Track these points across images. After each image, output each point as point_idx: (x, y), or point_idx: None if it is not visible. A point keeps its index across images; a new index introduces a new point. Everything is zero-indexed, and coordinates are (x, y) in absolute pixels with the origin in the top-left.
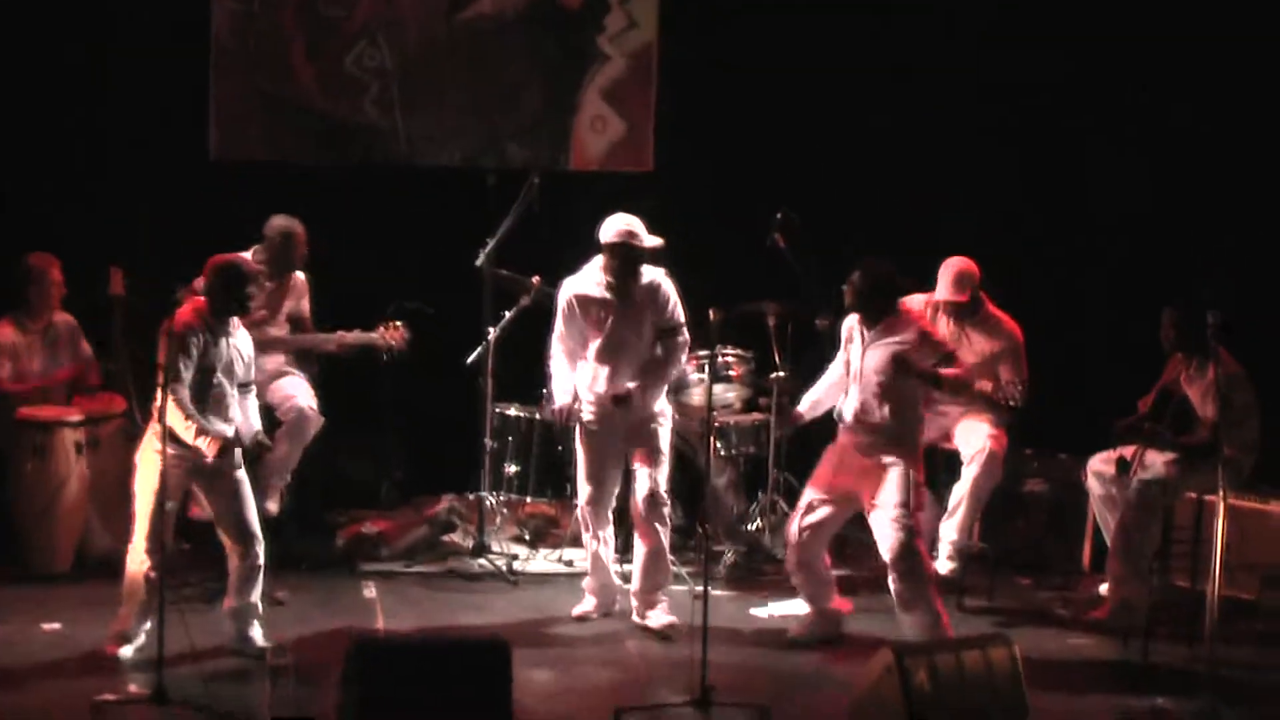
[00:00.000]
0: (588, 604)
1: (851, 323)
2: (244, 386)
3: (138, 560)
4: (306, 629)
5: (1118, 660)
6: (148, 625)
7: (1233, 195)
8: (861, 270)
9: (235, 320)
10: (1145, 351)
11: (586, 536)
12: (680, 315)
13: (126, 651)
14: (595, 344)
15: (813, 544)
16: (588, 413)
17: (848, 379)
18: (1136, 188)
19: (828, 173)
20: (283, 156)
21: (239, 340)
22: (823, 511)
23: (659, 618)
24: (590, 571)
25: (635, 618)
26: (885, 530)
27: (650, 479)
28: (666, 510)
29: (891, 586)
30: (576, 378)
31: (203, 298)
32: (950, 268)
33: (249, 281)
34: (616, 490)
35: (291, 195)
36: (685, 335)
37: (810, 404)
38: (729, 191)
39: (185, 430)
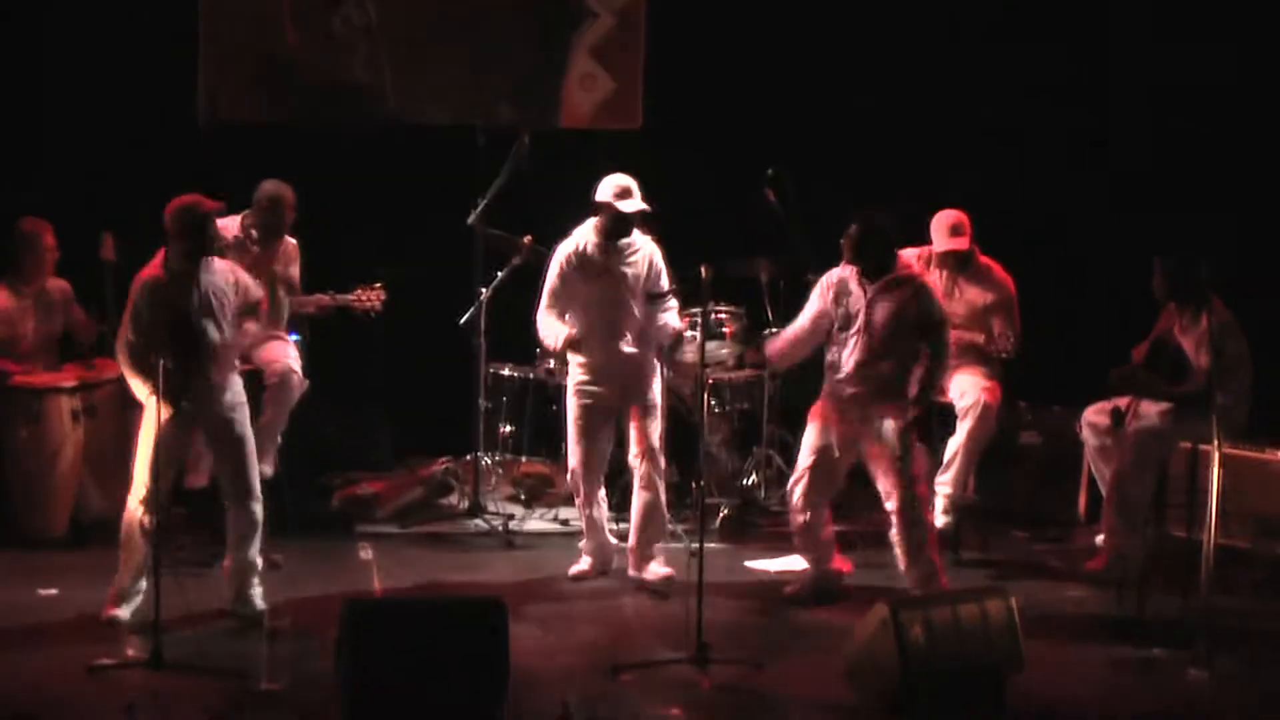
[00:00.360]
0: (584, 564)
1: (840, 274)
2: (248, 311)
3: (135, 515)
4: (302, 591)
5: (1113, 611)
6: (143, 584)
7: (1231, 145)
8: (859, 222)
9: (209, 260)
10: (1139, 302)
11: (579, 501)
12: (666, 282)
13: (124, 613)
14: (588, 303)
15: (815, 505)
16: (577, 374)
17: (837, 331)
18: (1131, 137)
19: (818, 128)
20: (272, 118)
21: (216, 278)
22: (822, 471)
23: (656, 569)
24: (586, 533)
25: (631, 571)
26: (889, 481)
27: (645, 435)
28: (662, 465)
29: (894, 538)
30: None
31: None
32: (945, 218)
33: (208, 219)
34: (609, 451)
35: (281, 157)
36: (675, 301)
37: (779, 354)
38: (719, 148)
39: (136, 388)
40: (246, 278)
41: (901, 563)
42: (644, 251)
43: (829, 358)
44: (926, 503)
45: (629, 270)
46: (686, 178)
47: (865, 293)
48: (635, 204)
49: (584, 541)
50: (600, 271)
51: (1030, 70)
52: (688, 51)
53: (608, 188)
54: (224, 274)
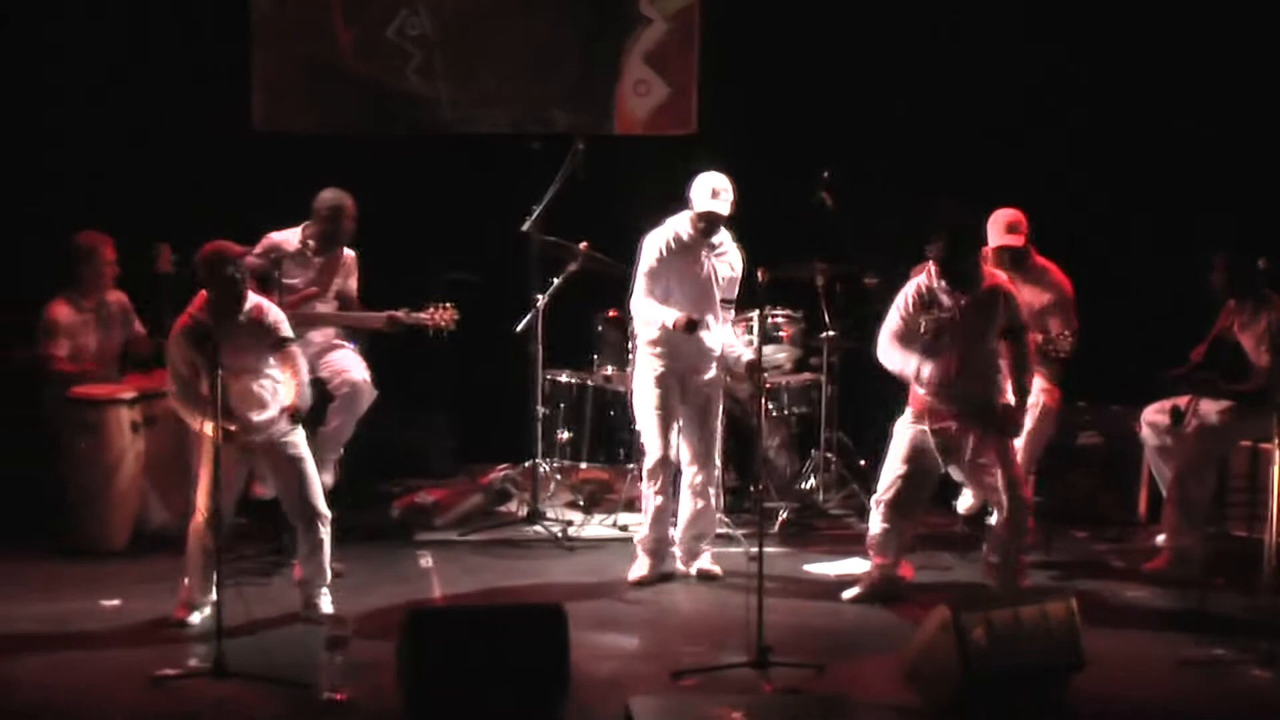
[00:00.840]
0: (643, 566)
1: (924, 284)
2: (279, 344)
3: (197, 533)
4: (364, 600)
5: (1175, 611)
6: (213, 595)
7: None
8: (949, 231)
9: (240, 302)
10: (1199, 301)
11: (651, 490)
12: (736, 290)
13: (195, 618)
14: (678, 291)
15: (903, 516)
16: (655, 364)
17: (930, 342)
18: (1188, 134)
19: (873, 131)
20: (326, 126)
21: (248, 323)
22: (913, 483)
23: (704, 563)
24: (651, 526)
25: (679, 565)
26: (995, 489)
27: (701, 439)
28: (717, 472)
29: (994, 542)
30: (644, 334)
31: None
32: (1002, 216)
33: (228, 265)
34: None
35: (336, 165)
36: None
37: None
38: (774, 152)
39: (194, 424)
40: (276, 316)
41: (990, 565)
42: (731, 253)
43: (916, 369)
44: (1030, 507)
45: (718, 265)
46: (741, 182)
47: (956, 303)
48: (725, 204)
49: (644, 538)
50: (692, 261)
51: (1077, 69)
52: (741, 56)
53: (702, 188)
54: (257, 311)
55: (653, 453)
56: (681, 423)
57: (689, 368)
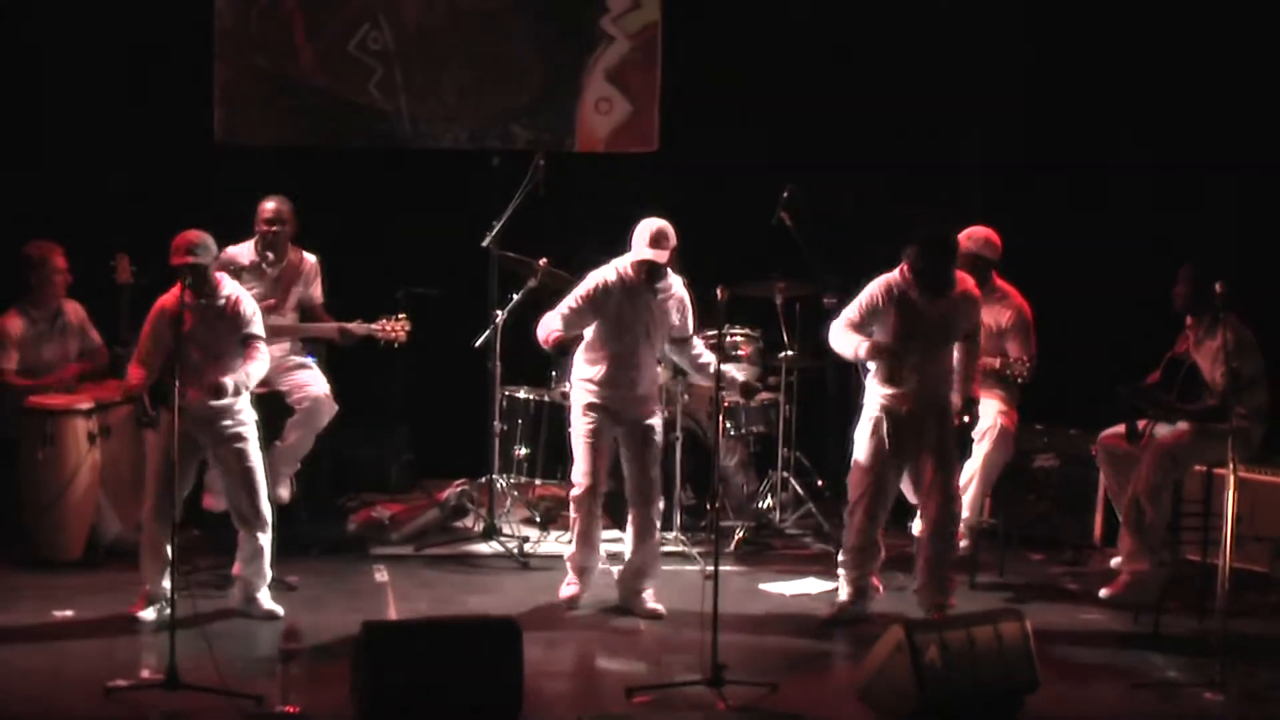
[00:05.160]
0: (575, 585)
1: (899, 283)
2: (248, 340)
3: (149, 523)
4: (318, 613)
5: (1129, 634)
6: (166, 589)
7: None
8: (935, 241)
9: (216, 288)
10: (1157, 326)
11: (577, 516)
12: (691, 325)
13: (149, 614)
14: (613, 333)
15: (875, 520)
16: (586, 395)
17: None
18: (1147, 154)
19: (834, 150)
20: (287, 139)
21: (219, 305)
22: (880, 483)
23: (648, 604)
24: (578, 551)
25: (621, 603)
26: (930, 495)
27: (642, 473)
28: (660, 506)
29: (926, 552)
30: (579, 370)
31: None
32: (975, 231)
33: (182, 254)
34: (608, 475)
35: (296, 179)
36: (697, 347)
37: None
38: (735, 170)
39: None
40: (249, 311)
41: (920, 579)
42: (676, 294)
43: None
44: (958, 521)
45: (665, 309)
46: (702, 200)
47: (926, 306)
48: (664, 253)
49: (571, 555)
50: (632, 305)
51: (1043, 87)
52: (703, 74)
53: (642, 235)
54: (230, 302)
55: (579, 482)
56: (623, 458)
57: (619, 407)
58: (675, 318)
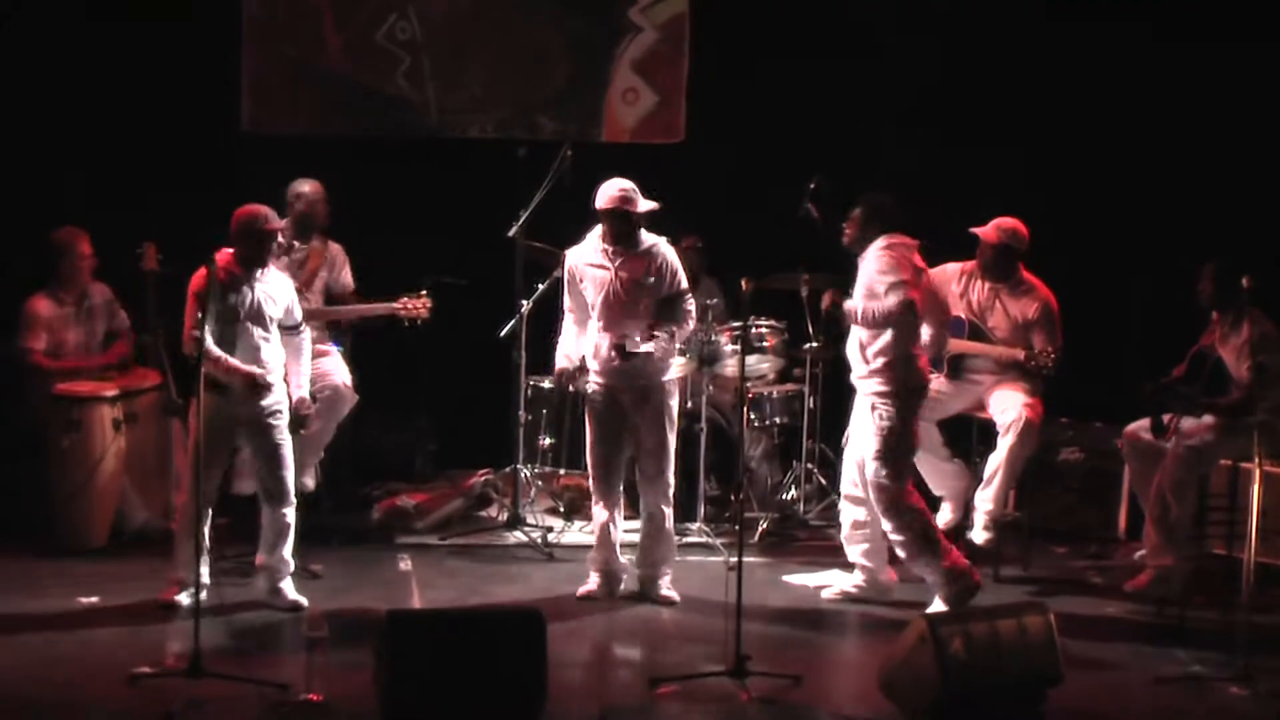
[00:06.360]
0: (591, 583)
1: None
2: (290, 330)
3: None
4: (342, 602)
5: (1153, 627)
6: (204, 575)
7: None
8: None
9: (265, 270)
10: (1183, 319)
11: (597, 509)
12: (683, 281)
13: (184, 598)
14: (596, 311)
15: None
16: (592, 384)
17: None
18: (1173, 149)
19: (860, 141)
20: (313, 128)
21: (270, 286)
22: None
23: (664, 591)
24: (596, 546)
25: (637, 589)
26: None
27: (653, 454)
28: (671, 487)
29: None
30: (584, 347)
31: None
32: (1004, 220)
33: (266, 235)
34: (623, 464)
35: (322, 167)
36: (690, 301)
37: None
38: (761, 162)
39: (219, 371)
40: (293, 298)
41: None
42: (656, 253)
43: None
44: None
45: (637, 273)
46: (728, 192)
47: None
48: (619, 201)
49: (591, 556)
50: (602, 271)
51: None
52: (730, 66)
53: (605, 193)
54: (279, 284)
55: (594, 472)
56: (638, 430)
57: (618, 388)
58: (657, 275)
